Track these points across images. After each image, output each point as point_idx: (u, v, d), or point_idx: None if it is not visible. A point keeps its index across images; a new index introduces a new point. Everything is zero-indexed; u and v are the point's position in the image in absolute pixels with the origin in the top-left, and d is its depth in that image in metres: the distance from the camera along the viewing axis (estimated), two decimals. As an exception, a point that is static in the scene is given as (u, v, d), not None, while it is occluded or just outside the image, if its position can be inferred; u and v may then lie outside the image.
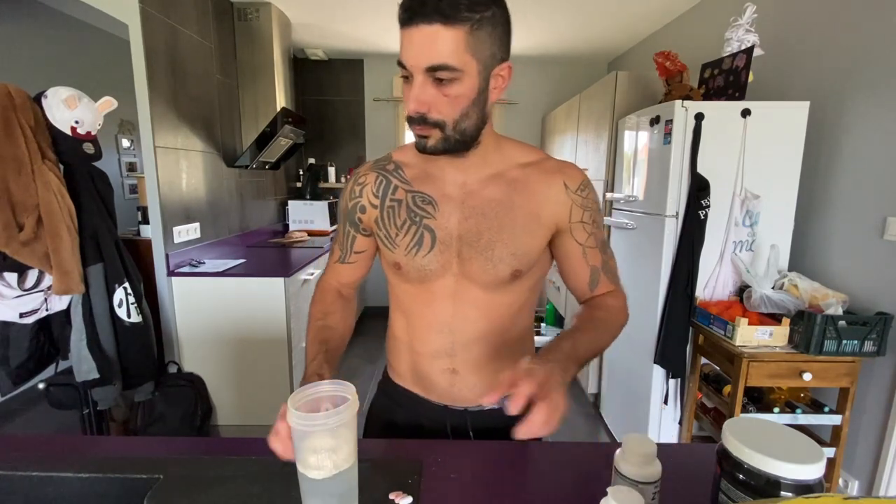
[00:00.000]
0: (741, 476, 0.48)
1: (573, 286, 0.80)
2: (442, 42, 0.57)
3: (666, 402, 1.84)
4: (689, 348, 1.74)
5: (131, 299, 1.78)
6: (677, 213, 1.71)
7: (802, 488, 0.45)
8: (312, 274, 2.53)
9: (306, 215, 3.50)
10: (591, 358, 0.70)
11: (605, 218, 2.33)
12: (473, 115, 0.65)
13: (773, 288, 1.57)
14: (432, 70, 0.59)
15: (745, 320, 1.48)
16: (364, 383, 2.78)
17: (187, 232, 2.27)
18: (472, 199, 0.73)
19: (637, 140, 2.01)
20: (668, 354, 1.74)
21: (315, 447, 0.50)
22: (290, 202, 3.51)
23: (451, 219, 0.73)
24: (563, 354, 0.63)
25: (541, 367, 0.57)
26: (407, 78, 0.63)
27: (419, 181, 0.76)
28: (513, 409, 0.53)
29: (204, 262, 2.30)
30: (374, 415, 0.90)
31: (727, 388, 1.62)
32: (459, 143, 0.67)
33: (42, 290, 1.61)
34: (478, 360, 0.78)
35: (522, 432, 0.53)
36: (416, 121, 0.64)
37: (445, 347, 0.78)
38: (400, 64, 0.62)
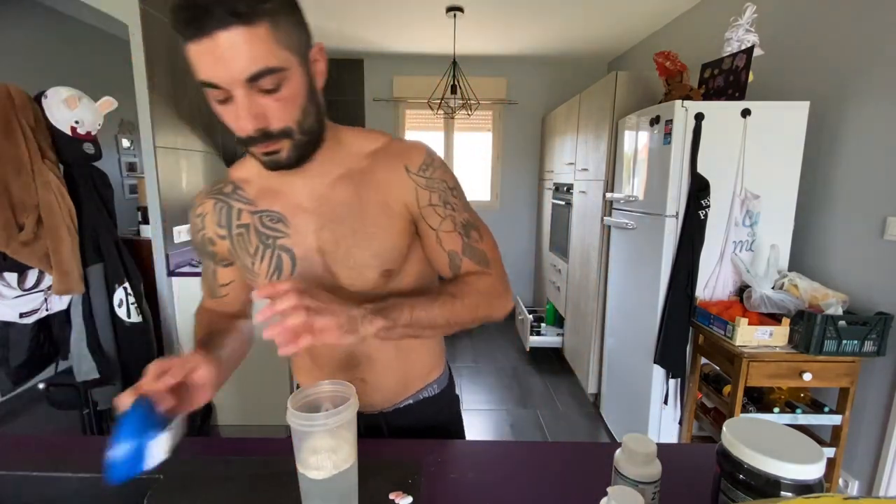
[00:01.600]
0: (741, 476, 0.48)
1: (437, 270, 0.74)
2: (253, 45, 0.49)
3: (666, 402, 1.84)
4: (689, 348, 1.74)
5: (131, 299, 1.78)
6: (677, 213, 1.71)
7: (802, 488, 0.45)
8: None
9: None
10: (423, 325, 0.63)
11: (605, 218, 2.33)
12: (311, 109, 0.59)
13: (773, 288, 1.57)
14: (254, 80, 0.51)
15: (745, 320, 1.47)
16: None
17: (188, 232, 2.27)
18: (325, 206, 0.66)
19: (637, 140, 2.01)
20: (668, 354, 1.73)
21: (315, 447, 0.50)
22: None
23: (308, 233, 0.67)
24: (378, 306, 0.59)
25: (335, 303, 0.55)
26: (227, 100, 0.53)
27: (265, 198, 0.68)
28: (259, 316, 0.52)
29: (204, 262, 2.29)
30: None
31: (727, 388, 1.61)
32: (309, 145, 0.61)
33: (42, 290, 1.61)
34: (383, 364, 0.75)
35: (268, 332, 0.51)
36: (259, 139, 0.56)
37: (347, 361, 0.74)
38: (207, 84, 0.52)
